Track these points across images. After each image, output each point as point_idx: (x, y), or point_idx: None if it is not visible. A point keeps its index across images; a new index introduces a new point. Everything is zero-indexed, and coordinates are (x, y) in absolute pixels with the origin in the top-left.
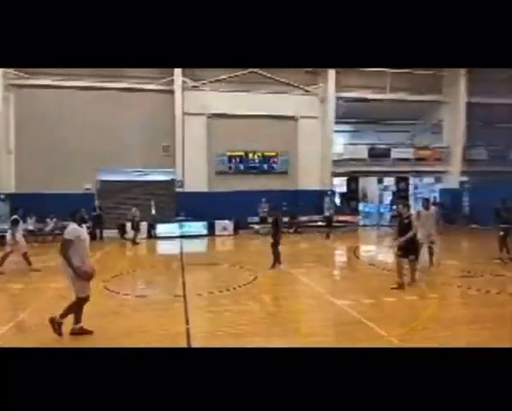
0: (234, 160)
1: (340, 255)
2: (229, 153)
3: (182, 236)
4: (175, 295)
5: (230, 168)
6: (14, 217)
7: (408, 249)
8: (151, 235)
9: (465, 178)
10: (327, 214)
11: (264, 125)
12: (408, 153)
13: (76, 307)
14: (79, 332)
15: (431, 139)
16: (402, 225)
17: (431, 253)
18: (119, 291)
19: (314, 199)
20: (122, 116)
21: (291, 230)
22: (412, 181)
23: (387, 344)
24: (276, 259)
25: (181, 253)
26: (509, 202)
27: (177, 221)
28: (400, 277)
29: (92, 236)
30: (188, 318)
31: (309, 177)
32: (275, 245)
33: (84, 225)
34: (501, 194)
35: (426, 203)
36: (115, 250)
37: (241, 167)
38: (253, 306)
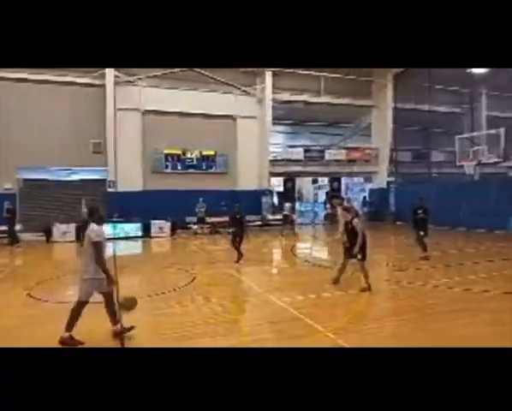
0: (171, 159)
1: (277, 253)
2: (165, 152)
3: (116, 238)
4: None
5: (167, 167)
6: None
7: (352, 251)
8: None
9: (392, 178)
10: (286, 213)
11: (202, 124)
12: (341, 155)
13: (77, 312)
14: (68, 342)
15: (362, 141)
16: (349, 229)
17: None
18: (47, 299)
19: (253, 199)
20: (48, 111)
21: (230, 230)
22: (344, 180)
23: (323, 339)
24: (240, 254)
25: (115, 256)
26: (424, 201)
27: (110, 222)
28: (338, 274)
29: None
30: (123, 322)
31: (248, 177)
32: (239, 242)
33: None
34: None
35: (341, 201)
36: (38, 254)
37: (179, 166)
38: (193, 307)
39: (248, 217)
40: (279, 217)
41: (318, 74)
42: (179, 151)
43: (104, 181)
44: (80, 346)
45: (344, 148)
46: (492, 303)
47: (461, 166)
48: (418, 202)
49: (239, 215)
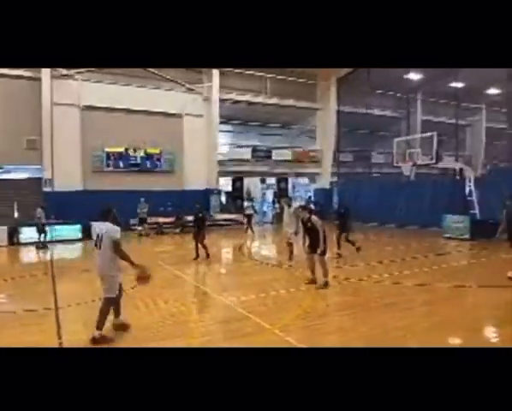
0: (113, 157)
1: (226, 253)
2: (107, 150)
3: (53, 241)
4: (45, 308)
5: (109, 165)
6: None
7: (316, 246)
8: (14, 242)
9: (335, 178)
10: (247, 212)
11: (147, 121)
12: (287, 155)
13: (107, 310)
14: (100, 341)
15: (308, 142)
16: (308, 229)
17: (291, 251)
18: None
19: (200, 199)
20: None
21: (177, 230)
22: (291, 181)
23: (271, 336)
24: (207, 250)
25: (52, 261)
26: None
27: (47, 224)
28: (312, 274)
29: None
30: (62, 331)
31: (195, 177)
32: (202, 239)
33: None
34: (357, 193)
35: (289, 201)
36: None
37: (121, 165)
38: (143, 311)
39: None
40: (228, 216)
41: (264, 75)
42: (122, 150)
43: (40, 179)
44: (110, 343)
45: (291, 149)
46: (426, 295)
47: (399, 167)
48: (341, 202)
49: (201, 214)
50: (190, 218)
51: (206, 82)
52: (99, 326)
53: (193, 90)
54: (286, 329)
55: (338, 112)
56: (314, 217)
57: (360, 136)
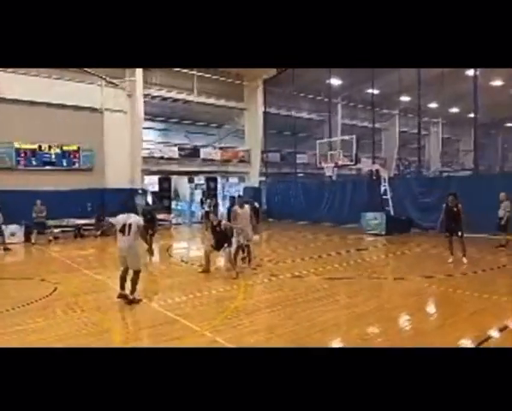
0: (23, 154)
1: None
2: (16, 146)
3: None
4: None
5: (19, 163)
6: None
7: (222, 243)
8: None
9: (263, 178)
10: (207, 209)
11: (63, 116)
12: (216, 154)
13: (138, 279)
14: (135, 301)
15: (236, 142)
16: (219, 233)
17: (248, 252)
18: None
19: (124, 199)
20: None
21: (98, 233)
22: (220, 180)
23: (200, 338)
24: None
25: None
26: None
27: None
28: (207, 265)
29: None
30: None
31: (118, 175)
32: (151, 236)
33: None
34: (284, 192)
35: (241, 201)
36: None
37: (34, 162)
38: (60, 318)
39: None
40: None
41: (191, 72)
42: (34, 146)
43: None
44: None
45: (219, 148)
46: (348, 288)
47: (322, 168)
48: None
49: (150, 215)
50: (112, 220)
51: (129, 77)
52: (133, 292)
53: (115, 85)
54: (215, 329)
55: (265, 113)
56: (224, 222)
57: (286, 137)
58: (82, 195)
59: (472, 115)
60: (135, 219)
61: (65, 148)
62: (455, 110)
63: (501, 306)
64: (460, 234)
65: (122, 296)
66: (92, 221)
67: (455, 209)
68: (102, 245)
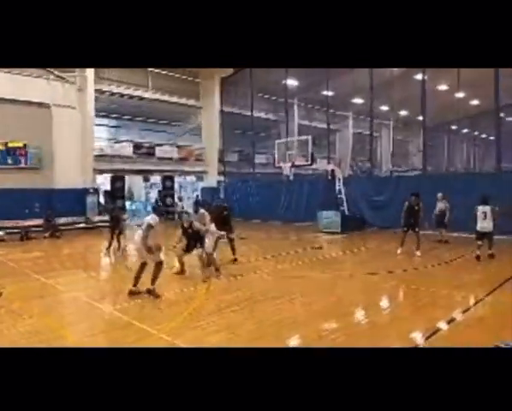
0: None
1: (104, 257)
2: None
3: None
4: None
5: None
6: None
7: (194, 245)
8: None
9: (221, 177)
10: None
11: (8, 110)
12: (172, 153)
13: (159, 270)
14: (154, 293)
15: (193, 140)
16: (190, 235)
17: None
18: None
19: (75, 199)
20: None
21: (47, 234)
22: (177, 179)
23: (158, 341)
24: (113, 243)
25: None
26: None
27: None
28: (181, 266)
29: None
30: None
31: (68, 174)
32: (119, 234)
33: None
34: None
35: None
36: None
37: None
38: (5, 324)
39: (70, 219)
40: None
41: (146, 68)
42: None
43: None
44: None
45: (176, 146)
46: (306, 286)
47: (280, 167)
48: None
49: (114, 213)
50: (63, 221)
51: (80, 71)
52: (153, 283)
53: (64, 79)
54: (173, 332)
55: (222, 112)
56: (195, 223)
57: (244, 137)
58: (29, 195)
59: (420, 117)
60: (147, 218)
61: (10, 145)
62: (404, 112)
63: (448, 300)
64: (417, 229)
65: (132, 293)
66: (41, 222)
67: (416, 207)
68: (51, 247)
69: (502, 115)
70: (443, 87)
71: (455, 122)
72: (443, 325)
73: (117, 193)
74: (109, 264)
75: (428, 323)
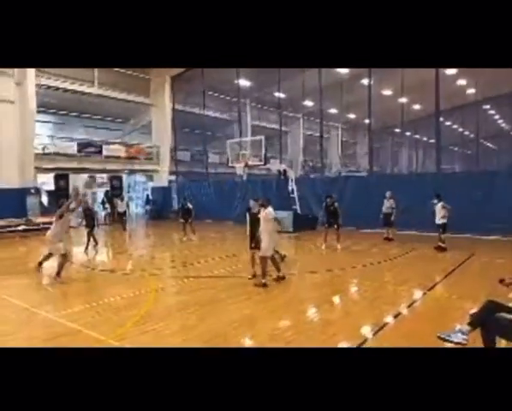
0: None
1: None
2: None
3: None
4: None
5: None
6: None
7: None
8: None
9: (173, 177)
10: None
11: None
12: (120, 151)
13: (267, 263)
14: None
15: (142, 138)
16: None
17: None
18: None
19: (14, 199)
20: None
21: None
22: (126, 178)
23: (106, 346)
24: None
25: None
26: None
27: None
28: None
29: None
30: None
31: (5, 173)
32: (90, 232)
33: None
34: (196, 191)
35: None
36: None
37: None
38: None
39: (9, 221)
40: (50, 219)
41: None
42: None
43: None
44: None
45: (124, 145)
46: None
47: (233, 167)
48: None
49: (89, 210)
50: (1, 223)
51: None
52: (264, 277)
53: (0, 71)
54: (122, 337)
55: (173, 110)
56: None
57: (196, 136)
58: None
59: (367, 120)
60: (267, 212)
61: None
62: (352, 115)
63: (394, 295)
64: (336, 227)
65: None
66: None
67: (331, 207)
68: None
69: (441, 119)
70: (387, 92)
71: (398, 125)
72: (390, 319)
73: (61, 192)
74: (52, 268)
75: (376, 317)
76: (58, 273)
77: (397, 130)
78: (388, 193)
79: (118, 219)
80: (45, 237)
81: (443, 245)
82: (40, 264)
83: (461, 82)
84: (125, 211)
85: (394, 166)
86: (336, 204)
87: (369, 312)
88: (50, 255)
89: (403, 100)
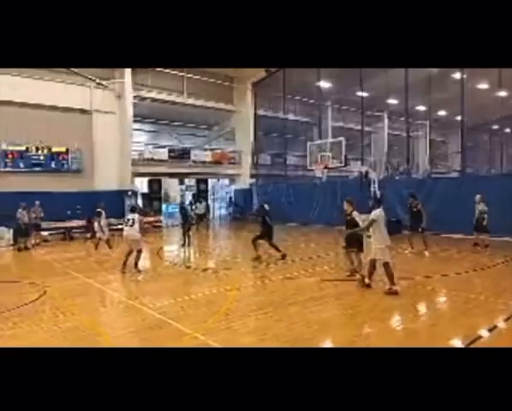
0: (11, 156)
1: (143, 258)
2: (3, 148)
3: None
4: None
5: (6, 164)
6: None
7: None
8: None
9: (254, 180)
10: (198, 212)
11: (52, 117)
12: (206, 156)
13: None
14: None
15: (226, 144)
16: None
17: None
18: None
19: (114, 201)
20: None
21: (88, 235)
22: (211, 182)
23: (192, 341)
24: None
25: None
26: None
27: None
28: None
29: None
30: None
31: (107, 177)
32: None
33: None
34: (276, 194)
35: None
36: None
37: (21, 164)
38: (47, 324)
39: (110, 220)
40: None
41: (180, 74)
42: (22, 147)
43: None
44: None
45: (210, 150)
46: (338, 289)
47: (312, 169)
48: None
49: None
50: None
51: (118, 78)
52: (392, 283)
53: (103, 85)
54: (207, 332)
55: (255, 115)
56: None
57: (276, 139)
58: (72, 197)
59: (459, 117)
60: (137, 216)
61: (54, 150)
62: (442, 112)
63: (487, 306)
64: (420, 230)
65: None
66: (83, 223)
67: (414, 209)
68: (93, 247)
69: None
70: (483, 86)
71: (496, 121)
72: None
73: (154, 195)
74: (145, 264)
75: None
76: (136, 264)
77: (495, 127)
78: (477, 198)
79: (197, 221)
80: (135, 235)
81: None
82: (136, 264)
83: None
84: (204, 214)
85: (490, 167)
86: (419, 205)
87: (459, 324)
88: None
89: (502, 94)
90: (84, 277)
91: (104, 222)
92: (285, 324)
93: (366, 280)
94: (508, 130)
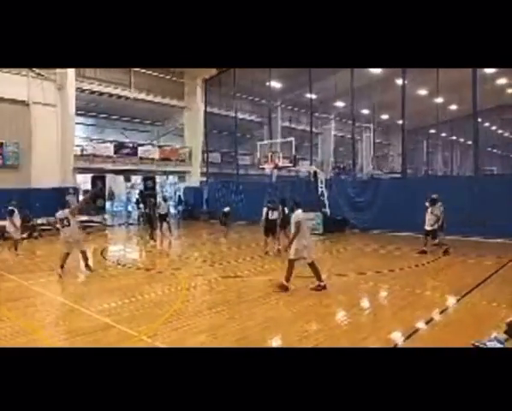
0: None
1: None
2: None
3: None
4: None
5: None
6: None
7: None
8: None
9: (204, 178)
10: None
11: None
12: (154, 153)
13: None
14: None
15: (175, 140)
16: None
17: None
18: None
19: (54, 198)
20: None
21: (24, 235)
22: (159, 179)
23: (138, 343)
24: None
25: None
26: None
27: None
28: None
29: None
30: None
31: (46, 173)
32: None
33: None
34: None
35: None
36: None
37: None
38: None
39: (47, 219)
40: (87, 218)
41: (128, 68)
42: None
43: None
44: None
45: (158, 146)
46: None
47: (263, 169)
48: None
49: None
50: (41, 221)
51: (59, 69)
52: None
53: (43, 76)
54: (154, 334)
55: (205, 112)
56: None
57: (227, 138)
58: (6, 195)
59: (401, 121)
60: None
61: None
62: (385, 116)
63: (425, 301)
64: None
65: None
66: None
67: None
68: (28, 248)
69: (479, 120)
70: (422, 92)
71: (433, 126)
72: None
73: (98, 192)
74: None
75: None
76: (87, 265)
77: (433, 131)
78: (433, 199)
79: (160, 222)
80: (76, 236)
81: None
82: (87, 265)
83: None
84: (167, 214)
85: (429, 168)
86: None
87: (399, 318)
88: (68, 254)
89: (439, 100)
90: (21, 280)
91: (18, 221)
92: (235, 323)
93: (284, 282)
94: (444, 134)
